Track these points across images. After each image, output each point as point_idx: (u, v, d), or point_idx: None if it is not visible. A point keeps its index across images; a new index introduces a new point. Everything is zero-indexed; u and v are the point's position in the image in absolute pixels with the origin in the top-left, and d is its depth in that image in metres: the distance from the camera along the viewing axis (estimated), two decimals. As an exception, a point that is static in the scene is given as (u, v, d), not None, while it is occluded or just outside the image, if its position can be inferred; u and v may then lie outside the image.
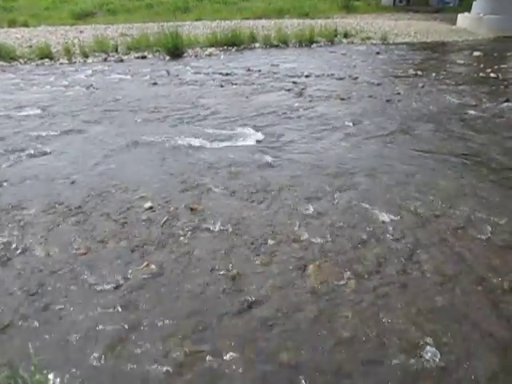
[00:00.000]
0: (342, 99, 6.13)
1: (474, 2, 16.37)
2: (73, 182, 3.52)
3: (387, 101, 6.01)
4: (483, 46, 12.05)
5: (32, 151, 4.21)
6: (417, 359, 1.81)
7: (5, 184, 3.50)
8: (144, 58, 10.39)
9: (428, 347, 1.86)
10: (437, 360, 1.81)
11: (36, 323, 2.04)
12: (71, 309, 2.13)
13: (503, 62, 9.27)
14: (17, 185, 3.49)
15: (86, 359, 1.84)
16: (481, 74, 7.95)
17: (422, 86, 6.90)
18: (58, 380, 1.73)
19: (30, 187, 3.45)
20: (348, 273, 2.36)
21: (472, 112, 5.44)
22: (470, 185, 3.41)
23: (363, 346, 1.89)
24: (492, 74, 7.84)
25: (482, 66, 8.74)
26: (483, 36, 14.34)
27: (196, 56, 10.62)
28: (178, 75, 8.13)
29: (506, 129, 4.79)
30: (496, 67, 8.48)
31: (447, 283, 2.27)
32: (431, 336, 1.92)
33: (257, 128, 4.81)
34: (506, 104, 5.77)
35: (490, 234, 2.70)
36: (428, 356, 1.82)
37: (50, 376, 1.71)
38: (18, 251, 2.59)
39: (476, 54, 10.35)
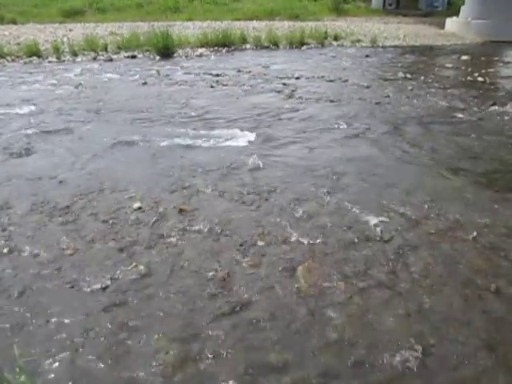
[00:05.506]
0: (332, 101, 6.16)
1: (462, 7, 16.60)
2: (61, 182, 3.49)
3: (377, 103, 6.06)
4: (471, 50, 12.22)
5: (19, 150, 4.15)
6: (405, 360, 1.82)
7: (-9, 183, 3.46)
8: (134, 57, 10.33)
9: (416, 348, 1.88)
10: (424, 360, 1.82)
11: (22, 324, 2.01)
12: (57, 309, 2.10)
13: (490, 67, 9.41)
14: (3, 184, 3.44)
15: (72, 360, 1.81)
16: (468, 78, 8.05)
17: (411, 89, 6.97)
18: (44, 382, 1.70)
19: (17, 186, 3.40)
20: (337, 274, 2.37)
21: (460, 115, 5.51)
22: (457, 187, 3.45)
23: (352, 347, 1.89)
24: (479, 78, 7.95)
25: (469, 70, 8.86)
26: (471, 40, 14.55)
27: (186, 56, 10.59)
28: (168, 75, 8.09)
29: (493, 132, 4.86)
30: (483, 71, 8.61)
31: (435, 285, 2.29)
32: (419, 337, 1.94)
33: (247, 129, 4.81)
34: (492, 108, 5.86)
35: (476, 236, 2.74)
36: (416, 357, 1.84)
37: (36, 378, 1.68)
38: (4, 251, 2.55)
39: (464, 58, 10.49)
